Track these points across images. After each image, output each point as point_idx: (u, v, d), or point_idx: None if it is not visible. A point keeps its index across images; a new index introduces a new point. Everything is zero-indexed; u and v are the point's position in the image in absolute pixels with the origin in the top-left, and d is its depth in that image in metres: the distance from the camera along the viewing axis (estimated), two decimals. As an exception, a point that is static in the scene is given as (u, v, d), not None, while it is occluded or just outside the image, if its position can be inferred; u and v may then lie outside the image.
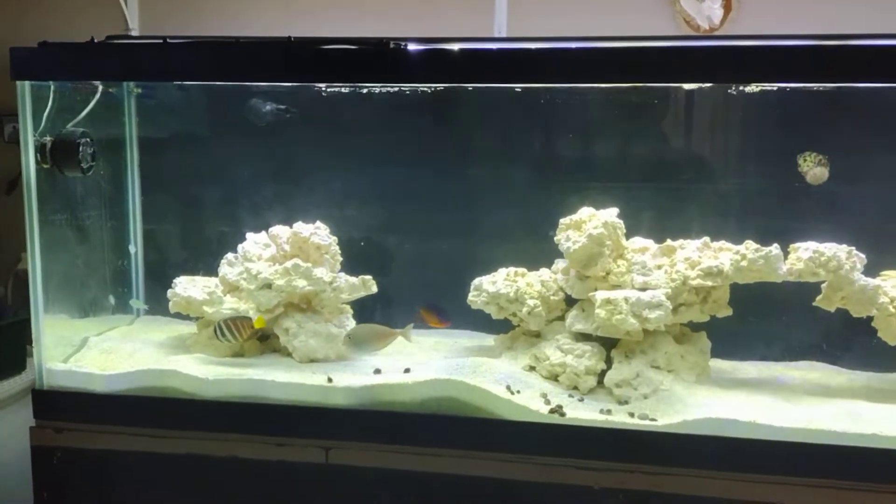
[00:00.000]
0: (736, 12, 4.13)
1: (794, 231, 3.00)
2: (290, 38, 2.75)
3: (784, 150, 3.22)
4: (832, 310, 2.90)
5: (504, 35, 3.88)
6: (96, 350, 3.25)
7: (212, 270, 3.43)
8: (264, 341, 3.26)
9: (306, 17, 4.32)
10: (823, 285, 2.91)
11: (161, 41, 2.78)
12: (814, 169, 3.09)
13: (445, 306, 3.34)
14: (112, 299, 3.55)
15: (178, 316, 3.37)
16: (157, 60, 2.80)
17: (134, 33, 4.05)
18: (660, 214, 3.29)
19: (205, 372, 2.97)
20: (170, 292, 3.23)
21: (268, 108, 3.38)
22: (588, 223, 2.98)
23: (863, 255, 2.84)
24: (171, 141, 3.63)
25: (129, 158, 3.58)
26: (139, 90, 3.51)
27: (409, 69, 2.70)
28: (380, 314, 3.42)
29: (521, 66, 2.71)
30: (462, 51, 2.71)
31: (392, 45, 2.68)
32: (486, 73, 2.74)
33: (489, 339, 3.40)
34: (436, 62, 2.72)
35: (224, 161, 3.61)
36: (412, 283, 3.59)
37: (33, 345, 3.03)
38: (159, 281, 3.69)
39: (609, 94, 3.36)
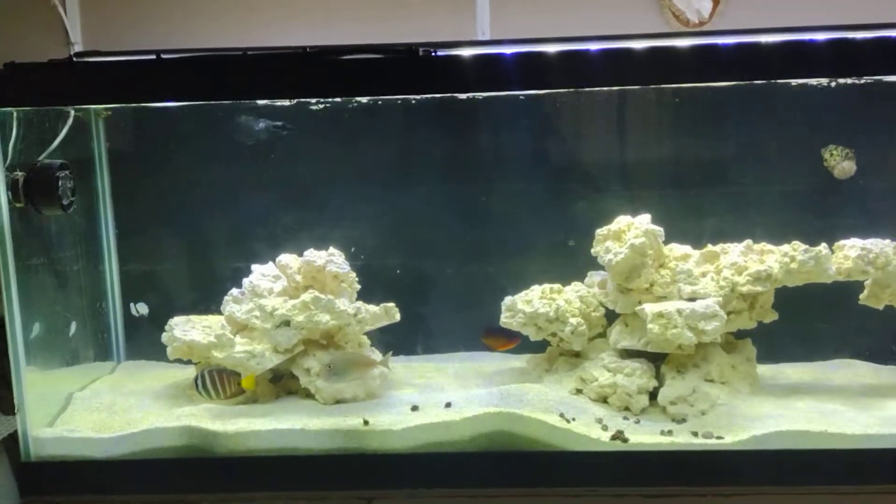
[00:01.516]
0: (724, 5, 4.08)
1: (808, 228, 2.95)
2: (306, 48, 2.46)
3: (796, 146, 3.17)
4: (880, 307, 2.84)
5: (487, 37, 3.69)
6: (84, 408, 2.87)
7: (201, 307, 3.12)
8: (277, 382, 2.96)
9: (268, 26, 4.01)
10: (867, 283, 2.85)
11: (154, 56, 2.44)
12: (841, 163, 3.03)
13: (461, 325, 3.15)
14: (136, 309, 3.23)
15: (160, 359, 3.05)
16: (152, 79, 2.45)
17: (77, 48, 3.64)
18: (682, 217, 3.16)
19: (221, 425, 2.64)
20: (166, 336, 2.89)
21: (261, 125, 3.07)
22: (628, 232, 2.82)
23: (906, 250, 2.79)
24: (149, 166, 3.26)
25: (101, 189, 3.20)
26: (108, 112, 3.13)
27: (446, 78, 2.47)
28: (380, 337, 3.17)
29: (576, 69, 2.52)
30: (513, 56, 2.49)
31: (421, 53, 2.44)
32: (536, 78, 2.53)
33: (514, 360, 3.21)
34: (477, 69, 2.49)
35: (213, 186, 3.26)
36: (418, 304, 3.36)
37: (16, 410, 2.63)
38: (140, 323, 3.36)
39: (622, 97, 3.23)
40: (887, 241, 2.78)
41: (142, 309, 3.29)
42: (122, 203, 3.27)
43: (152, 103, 2.72)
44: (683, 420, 2.66)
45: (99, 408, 2.86)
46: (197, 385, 2.73)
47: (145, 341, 3.35)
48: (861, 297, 2.87)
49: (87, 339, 3.15)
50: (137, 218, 3.30)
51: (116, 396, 2.96)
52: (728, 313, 2.78)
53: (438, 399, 2.80)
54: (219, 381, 2.72)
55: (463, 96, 3.04)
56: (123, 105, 2.94)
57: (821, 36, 2.65)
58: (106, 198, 3.25)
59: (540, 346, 3.06)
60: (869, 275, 2.76)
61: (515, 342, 2.89)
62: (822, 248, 2.73)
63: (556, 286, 2.99)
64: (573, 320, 2.86)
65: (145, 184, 3.29)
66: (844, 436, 2.50)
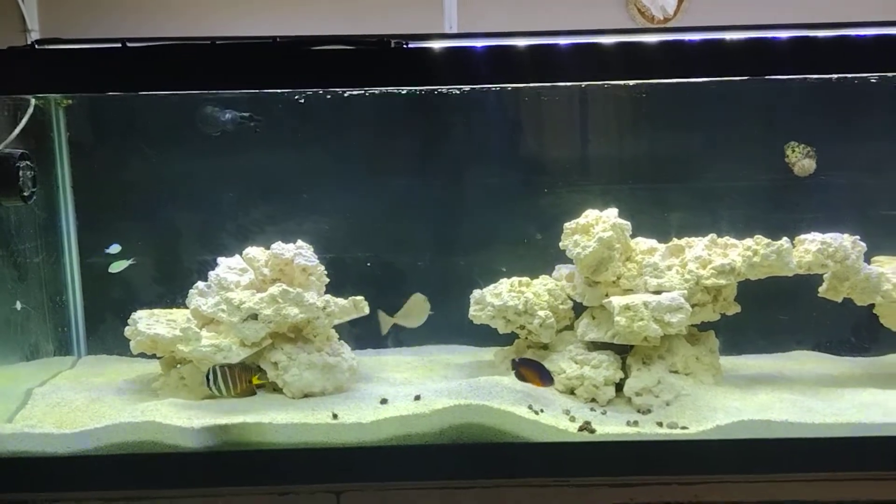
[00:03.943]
0: (688, 2, 4.14)
1: (769, 222, 3.00)
2: (275, 38, 2.43)
3: (759, 142, 3.23)
4: (839, 300, 2.91)
5: (455, 31, 3.70)
6: (45, 403, 2.81)
7: (166, 301, 3.07)
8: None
9: (237, 16, 3.97)
10: (826, 276, 2.92)
11: (120, 45, 2.39)
12: (802, 160, 3.10)
13: (430, 318, 3.16)
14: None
15: (124, 353, 3.00)
16: (118, 68, 2.40)
17: (34, 35, 3.55)
18: (648, 212, 3.21)
19: (187, 420, 2.60)
20: (129, 330, 2.83)
21: (227, 116, 3.02)
22: (596, 226, 2.85)
23: (863, 245, 2.86)
24: (113, 157, 3.19)
25: (62, 179, 3.13)
26: (70, 101, 3.06)
27: (418, 70, 2.46)
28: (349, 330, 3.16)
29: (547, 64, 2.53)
30: (490, 48, 2.50)
31: (393, 45, 2.43)
32: (509, 71, 2.54)
33: (482, 353, 3.23)
34: (449, 62, 2.49)
35: (178, 178, 3.21)
36: (387, 297, 3.35)
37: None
38: (102, 316, 3.30)
39: (590, 92, 3.26)
40: (846, 236, 2.85)
41: (114, 249, 3.16)
42: (83, 194, 3.20)
43: (117, 93, 2.66)
44: (649, 411, 2.70)
45: (60, 403, 2.80)
46: (208, 381, 2.66)
47: (107, 335, 3.29)
48: (820, 290, 2.94)
49: (47, 334, 3.08)
50: (100, 210, 3.24)
51: (78, 391, 2.91)
52: (692, 306, 2.83)
53: (408, 392, 2.80)
54: (230, 377, 2.66)
55: (433, 89, 3.05)
56: (87, 95, 2.88)
57: (782, 34, 2.71)
58: (67, 189, 3.18)
59: (508, 339, 3.07)
60: (828, 268, 2.82)
61: (549, 384, 2.80)
62: (784, 242, 2.79)
63: (525, 279, 3.01)
64: (541, 313, 2.88)
65: (108, 175, 3.22)
66: (805, 425, 2.56)
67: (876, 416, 2.60)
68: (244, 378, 2.65)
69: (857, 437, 2.53)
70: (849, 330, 3.21)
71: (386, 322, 2.95)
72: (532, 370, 2.71)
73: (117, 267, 3.10)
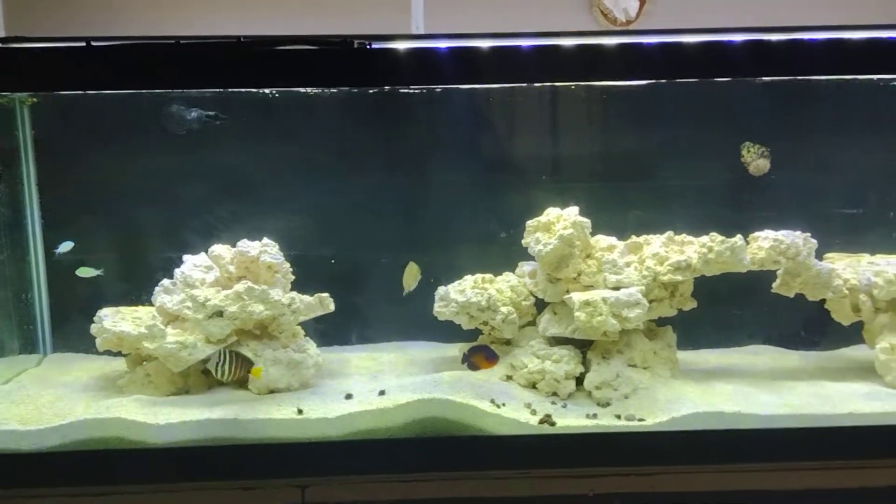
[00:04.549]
0: (650, 5, 4.24)
1: (725, 220, 3.09)
2: (239, 37, 2.46)
3: (715, 142, 3.31)
4: (791, 295, 3.00)
5: (422, 32, 3.74)
6: (9, 401, 2.80)
7: (132, 299, 3.08)
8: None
9: (203, 16, 3.99)
10: (779, 272, 3.01)
11: (84, 44, 2.40)
12: (757, 160, 3.19)
13: (399, 316, 3.21)
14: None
15: (90, 351, 3.01)
16: (83, 67, 2.41)
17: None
18: (608, 210, 3.27)
19: (152, 416, 2.62)
20: (95, 328, 2.84)
21: (193, 114, 3.04)
22: (557, 224, 2.91)
23: (815, 241, 2.95)
24: (78, 155, 3.19)
25: (27, 177, 3.12)
26: (35, 100, 3.05)
27: (381, 70, 2.51)
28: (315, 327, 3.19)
29: (508, 66, 2.59)
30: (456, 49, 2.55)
31: (357, 45, 2.47)
32: (475, 72, 2.60)
33: (448, 349, 3.27)
34: (412, 62, 2.54)
35: (144, 176, 3.21)
36: (352, 294, 3.38)
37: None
38: (67, 314, 3.30)
39: (552, 92, 3.32)
40: (798, 233, 2.93)
41: (65, 247, 3.15)
42: (49, 192, 3.20)
43: (82, 91, 2.67)
44: (608, 404, 2.77)
45: (25, 400, 2.80)
46: (216, 362, 2.70)
47: (73, 333, 3.29)
48: (773, 285, 3.03)
49: (13, 331, 3.08)
50: (65, 207, 3.24)
51: (43, 389, 2.91)
52: (650, 301, 2.90)
53: (373, 387, 2.84)
54: (234, 362, 2.71)
55: (398, 89, 3.09)
56: (52, 93, 2.88)
57: (738, 37, 2.79)
58: (31, 187, 3.17)
59: (473, 335, 3.13)
60: (781, 265, 2.91)
61: (494, 363, 2.94)
62: (738, 239, 2.87)
63: (488, 276, 3.07)
64: (504, 309, 2.94)
65: (73, 173, 3.22)
66: (757, 416, 2.65)
67: (825, 408, 2.70)
68: (244, 367, 2.70)
69: (806, 428, 2.63)
70: (799, 324, 3.31)
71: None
72: (480, 355, 2.81)
73: (85, 272, 3.11)
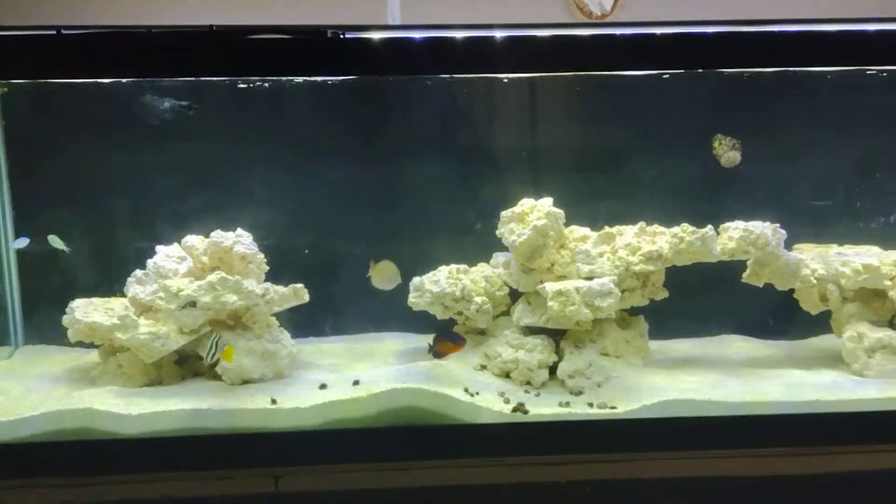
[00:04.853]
0: (624, -2, 4.28)
1: (697, 211, 3.12)
2: (211, 27, 2.45)
3: (688, 134, 3.35)
4: (760, 285, 3.04)
5: (398, 23, 3.74)
6: (-21, 394, 2.79)
7: (104, 290, 3.06)
8: (183, 364, 2.94)
9: (178, 5, 3.96)
10: (749, 262, 3.06)
11: (55, 32, 2.38)
12: (728, 153, 3.23)
13: (374, 307, 3.21)
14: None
15: (62, 343, 2.99)
16: (54, 55, 2.39)
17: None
18: (582, 201, 3.30)
19: (125, 407, 2.61)
20: (67, 319, 2.82)
21: (166, 104, 3.03)
22: (531, 214, 2.93)
23: (784, 232, 2.99)
24: (50, 145, 3.16)
25: (-3, 167, 3.10)
26: (5, 90, 3.02)
27: (354, 60, 2.51)
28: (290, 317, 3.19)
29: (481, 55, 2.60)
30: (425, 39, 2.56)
31: (330, 34, 2.47)
32: (446, 62, 2.61)
33: (423, 340, 3.28)
34: (386, 52, 2.54)
35: (116, 166, 3.19)
36: (327, 285, 3.38)
37: None
38: (39, 306, 3.27)
39: (527, 84, 3.34)
40: (767, 224, 2.97)
41: (20, 244, 3.11)
42: (20, 183, 3.17)
43: (53, 80, 2.65)
44: (581, 392, 2.80)
45: (-6, 392, 2.79)
46: (210, 349, 2.71)
47: (45, 325, 3.27)
48: (743, 275, 3.08)
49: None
50: (37, 198, 3.21)
51: (15, 381, 2.89)
52: (622, 291, 2.94)
53: (347, 377, 2.85)
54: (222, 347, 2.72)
55: (372, 79, 3.10)
56: (22, 82, 2.85)
57: (709, 29, 2.82)
58: (2, 177, 3.14)
59: (448, 326, 3.14)
60: (750, 254, 2.95)
61: (461, 346, 2.94)
62: (708, 229, 2.91)
63: (463, 267, 3.08)
64: (478, 299, 2.96)
65: (45, 163, 3.20)
66: (726, 403, 2.68)
67: (792, 396, 2.74)
68: (226, 352, 2.72)
69: (773, 415, 2.67)
70: (768, 314, 3.36)
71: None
72: (444, 342, 2.82)
73: (55, 242, 3.07)
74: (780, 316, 3.33)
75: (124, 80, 2.86)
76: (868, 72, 3.05)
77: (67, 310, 2.85)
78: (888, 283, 2.98)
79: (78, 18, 3.51)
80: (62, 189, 3.23)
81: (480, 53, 2.70)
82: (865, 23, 2.82)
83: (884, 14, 3.02)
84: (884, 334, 2.91)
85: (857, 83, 3.11)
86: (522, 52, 2.73)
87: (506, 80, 3.26)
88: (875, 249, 3.13)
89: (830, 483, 2.70)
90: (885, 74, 3.04)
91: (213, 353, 2.67)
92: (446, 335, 2.87)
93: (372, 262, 2.94)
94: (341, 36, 2.51)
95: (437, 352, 2.85)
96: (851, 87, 3.15)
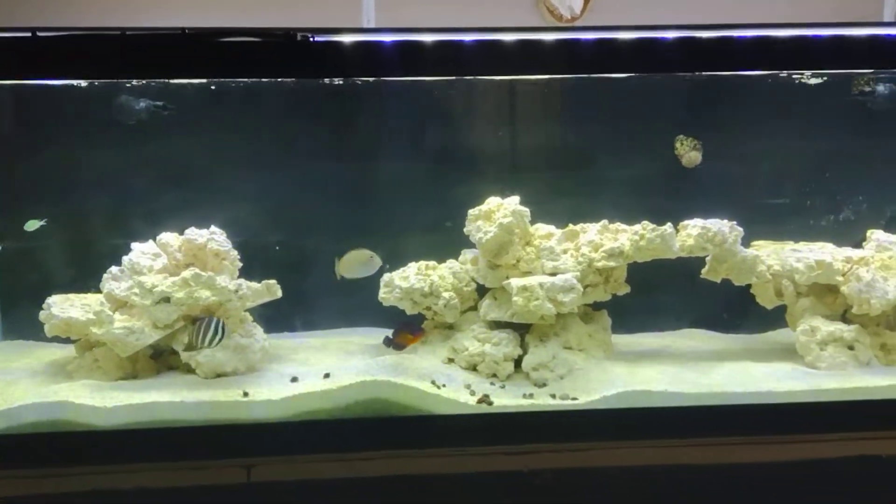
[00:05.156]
0: (594, 2, 4.37)
1: (659, 209, 3.23)
2: (184, 29, 2.53)
3: (650, 135, 3.46)
4: (718, 281, 3.15)
5: (373, 25, 3.82)
6: (-44, 388, 2.84)
7: (79, 286, 3.12)
8: (157, 358, 3.01)
9: (154, 7, 4.01)
10: (708, 258, 3.17)
11: (30, 34, 2.44)
12: (689, 153, 3.34)
13: (345, 303, 3.30)
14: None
15: (39, 339, 3.05)
16: (29, 57, 2.46)
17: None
18: (548, 199, 3.39)
19: (101, 400, 2.68)
20: (43, 314, 2.89)
21: (141, 105, 3.09)
22: (497, 212, 3.02)
23: (741, 229, 3.11)
24: (27, 143, 3.22)
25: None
26: (-21, 88, 3.08)
27: (323, 62, 2.59)
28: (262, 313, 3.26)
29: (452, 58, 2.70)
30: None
31: (299, 38, 2.55)
32: (419, 65, 2.70)
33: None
34: (353, 55, 2.63)
35: (92, 165, 3.26)
36: (297, 282, 3.46)
37: None
38: (15, 302, 3.32)
39: (494, 86, 3.43)
40: (725, 221, 3.08)
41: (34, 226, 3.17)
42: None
43: (28, 81, 2.71)
44: (544, 384, 2.89)
45: (-29, 386, 2.85)
46: (198, 335, 2.77)
47: (22, 321, 3.32)
48: (702, 271, 3.19)
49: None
50: (13, 195, 3.26)
51: (-9, 375, 2.95)
52: (585, 286, 3.03)
53: (318, 370, 2.93)
54: (211, 329, 2.77)
55: (344, 81, 3.17)
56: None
57: (672, 34, 2.92)
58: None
59: (418, 321, 3.22)
60: (708, 251, 3.06)
61: (421, 336, 3.05)
62: (668, 227, 3.02)
63: (432, 263, 3.17)
64: (446, 294, 3.05)
65: (21, 162, 3.25)
66: (682, 394, 2.79)
67: (747, 386, 2.85)
68: (219, 331, 2.79)
69: (729, 405, 2.78)
70: (724, 308, 3.48)
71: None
72: (403, 333, 2.93)
73: (31, 226, 3.13)
74: (733, 310, 3.44)
75: (99, 82, 2.93)
76: (820, 76, 3.18)
77: (45, 305, 2.91)
78: (840, 278, 3.10)
79: (59, 21, 3.55)
80: (38, 188, 3.28)
81: (450, 57, 2.79)
82: (819, 27, 2.93)
83: (838, 20, 3.14)
84: (836, 328, 3.02)
85: (811, 87, 3.23)
86: (492, 55, 2.81)
87: (475, 82, 3.35)
88: (829, 246, 3.25)
89: (784, 470, 2.81)
90: (826, 79, 3.18)
91: (209, 338, 2.74)
92: (404, 326, 2.97)
93: (336, 258, 3.02)
94: (311, 39, 2.59)
95: (396, 343, 2.95)
96: (806, 89, 3.27)
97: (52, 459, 2.63)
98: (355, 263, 3.03)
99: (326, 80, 3.14)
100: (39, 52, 2.51)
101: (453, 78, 3.29)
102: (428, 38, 2.79)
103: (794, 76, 3.22)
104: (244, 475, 2.68)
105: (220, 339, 2.78)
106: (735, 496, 2.81)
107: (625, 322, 3.29)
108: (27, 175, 3.28)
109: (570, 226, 3.16)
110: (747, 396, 2.79)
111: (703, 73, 3.12)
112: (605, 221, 3.13)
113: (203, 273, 2.83)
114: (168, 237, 3.01)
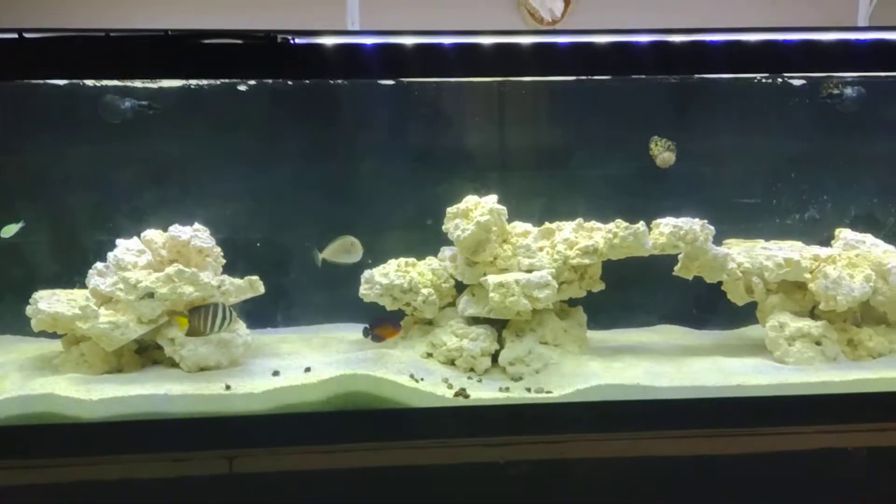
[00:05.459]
0: (575, 5, 4.45)
1: (633, 208, 3.31)
2: (167, 31, 2.59)
3: (625, 136, 3.54)
4: (690, 278, 3.24)
5: (357, 28, 3.88)
6: (-57, 381, 2.89)
7: (65, 282, 3.18)
8: (142, 353, 3.07)
9: (141, 9, 4.06)
10: (680, 256, 3.25)
11: (16, 35, 2.50)
12: (663, 153, 3.43)
13: (326, 299, 3.36)
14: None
15: (25, 333, 3.10)
16: (15, 57, 2.52)
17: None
18: (525, 198, 3.47)
19: (86, 392, 2.74)
20: (30, 309, 2.94)
21: (127, 104, 3.16)
22: (475, 211, 3.10)
23: (712, 228, 3.19)
24: (13, 141, 3.28)
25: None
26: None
27: (303, 64, 2.66)
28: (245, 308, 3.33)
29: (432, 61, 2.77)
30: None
31: (280, 39, 2.61)
32: (396, 66, 2.77)
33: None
34: (333, 57, 2.69)
35: (77, 163, 3.32)
36: (279, 278, 3.52)
37: None
38: (1, 297, 3.38)
39: (474, 88, 3.51)
40: (696, 220, 3.16)
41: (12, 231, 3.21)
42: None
43: (13, 81, 2.76)
44: (520, 378, 2.97)
45: (-42, 380, 2.90)
46: (207, 320, 2.88)
47: (8, 317, 3.37)
48: (675, 269, 3.27)
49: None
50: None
51: (-21, 369, 3.00)
52: (560, 283, 3.11)
53: (299, 365, 3.00)
54: (216, 314, 2.87)
55: (325, 81, 3.24)
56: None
57: (648, 38, 3.00)
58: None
59: (399, 317, 3.29)
60: (680, 249, 3.14)
61: (399, 330, 3.14)
62: (640, 225, 3.09)
63: (411, 260, 3.24)
64: (425, 291, 3.13)
65: (8, 160, 3.31)
66: (654, 388, 2.87)
67: (718, 380, 2.93)
68: (224, 316, 2.89)
69: (699, 399, 2.86)
70: (695, 305, 3.57)
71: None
72: (383, 326, 3.01)
73: (8, 231, 3.18)
74: (702, 306, 3.53)
75: (84, 82, 2.98)
76: (790, 79, 3.27)
77: (31, 300, 2.96)
78: (808, 276, 3.19)
79: (48, 22, 3.60)
80: (25, 185, 3.34)
81: (431, 59, 2.85)
82: (790, 32, 3.01)
83: (810, 24, 3.23)
84: (804, 324, 3.11)
85: (781, 90, 3.32)
86: (474, 57, 2.87)
87: (455, 83, 3.42)
88: (798, 245, 3.35)
89: (751, 462, 2.89)
90: (796, 82, 3.27)
91: (218, 322, 2.82)
92: (383, 320, 3.05)
93: (315, 250, 3.09)
94: (291, 41, 2.65)
95: (375, 335, 3.02)
96: (776, 91, 3.36)
97: (39, 451, 2.69)
98: (339, 249, 3.10)
99: (308, 81, 3.20)
100: (26, 54, 2.57)
101: (433, 79, 3.36)
102: (409, 40, 2.85)
103: (765, 79, 3.30)
104: (227, 466, 2.75)
105: (228, 324, 2.85)
106: (705, 488, 2.89)
107: (599, 318, 3.37)
108: (13, 172, 3.32)
109: (546, 224, 3.24)
110: (718, 390, 2.87)
111: (679, 75, 3.21)
112: (580, 220, 3.20)
113: (187, 269, 2.90)
114: (152, 234, 3.07)
